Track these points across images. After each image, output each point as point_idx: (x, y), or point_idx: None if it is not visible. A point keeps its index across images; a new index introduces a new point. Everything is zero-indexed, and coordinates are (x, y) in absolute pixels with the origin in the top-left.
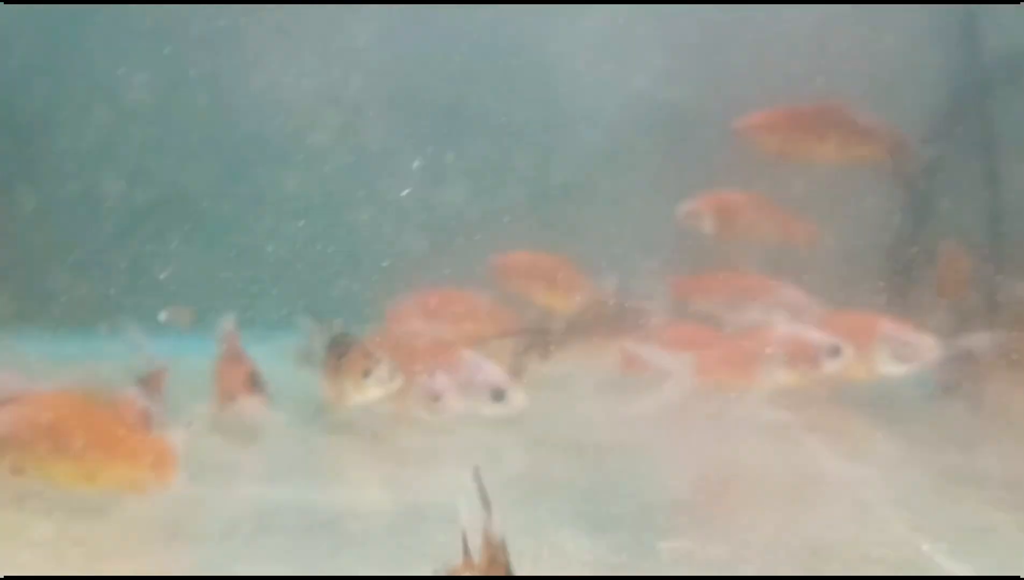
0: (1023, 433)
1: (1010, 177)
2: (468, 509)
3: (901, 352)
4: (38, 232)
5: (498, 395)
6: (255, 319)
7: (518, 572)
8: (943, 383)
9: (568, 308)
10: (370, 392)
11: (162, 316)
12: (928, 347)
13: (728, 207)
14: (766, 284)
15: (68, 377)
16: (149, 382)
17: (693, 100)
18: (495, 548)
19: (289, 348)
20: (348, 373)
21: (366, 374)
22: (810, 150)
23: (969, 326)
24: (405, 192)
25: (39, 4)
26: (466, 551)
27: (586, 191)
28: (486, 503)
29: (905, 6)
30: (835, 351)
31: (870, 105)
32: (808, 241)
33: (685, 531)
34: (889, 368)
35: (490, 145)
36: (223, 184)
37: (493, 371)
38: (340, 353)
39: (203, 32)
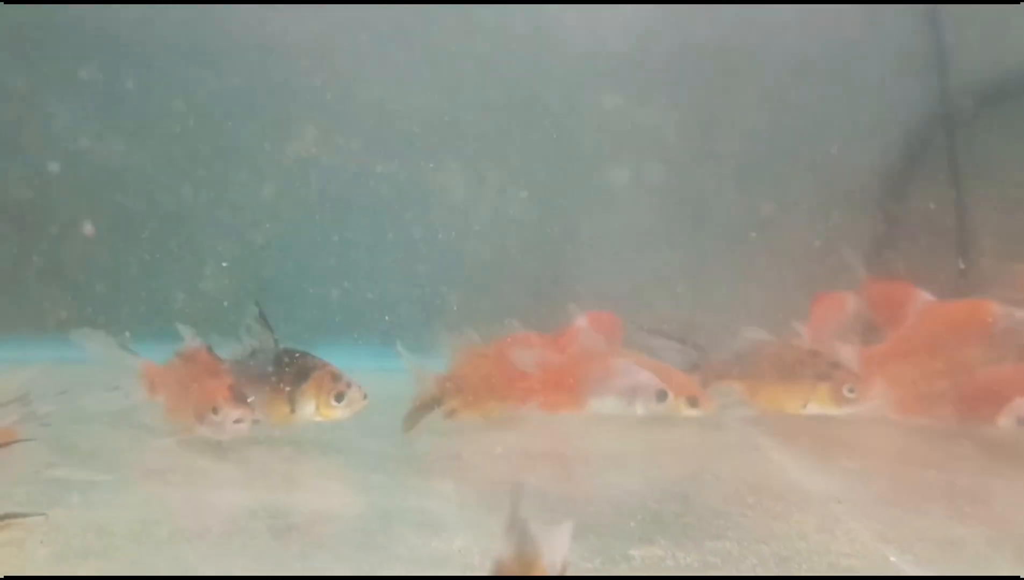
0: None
1: (977, 209)
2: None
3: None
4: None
5: (662, 396)
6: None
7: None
8: None
9: None
10: (338, 414)
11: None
12: None
13: None
14: None
15: None
16: None
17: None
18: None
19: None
20: (314, 394)
21: (338, 397)
22: None
23: None
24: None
25: (38, 4)
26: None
27: None
28: (515, 524)
29: (876, 34)
30: None
31: (839, 133)
32: None
33: (656, 539)
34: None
35: None
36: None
37: (650, 376)
38: (298, 373)
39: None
